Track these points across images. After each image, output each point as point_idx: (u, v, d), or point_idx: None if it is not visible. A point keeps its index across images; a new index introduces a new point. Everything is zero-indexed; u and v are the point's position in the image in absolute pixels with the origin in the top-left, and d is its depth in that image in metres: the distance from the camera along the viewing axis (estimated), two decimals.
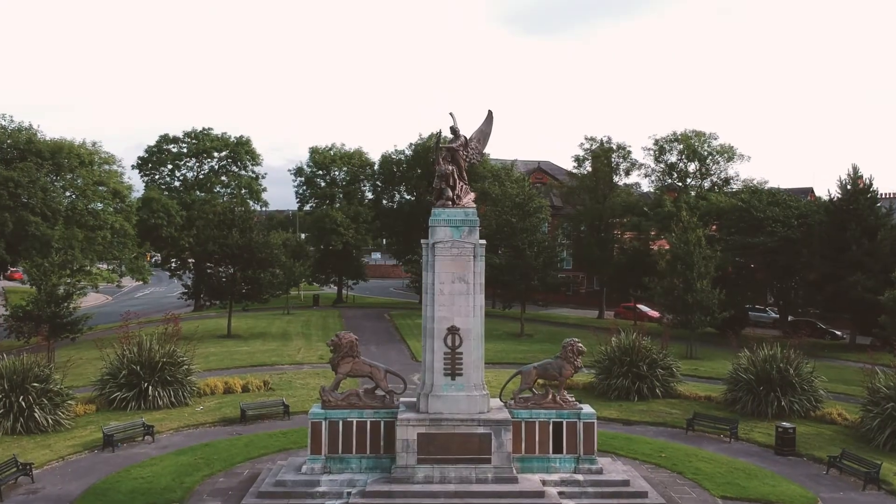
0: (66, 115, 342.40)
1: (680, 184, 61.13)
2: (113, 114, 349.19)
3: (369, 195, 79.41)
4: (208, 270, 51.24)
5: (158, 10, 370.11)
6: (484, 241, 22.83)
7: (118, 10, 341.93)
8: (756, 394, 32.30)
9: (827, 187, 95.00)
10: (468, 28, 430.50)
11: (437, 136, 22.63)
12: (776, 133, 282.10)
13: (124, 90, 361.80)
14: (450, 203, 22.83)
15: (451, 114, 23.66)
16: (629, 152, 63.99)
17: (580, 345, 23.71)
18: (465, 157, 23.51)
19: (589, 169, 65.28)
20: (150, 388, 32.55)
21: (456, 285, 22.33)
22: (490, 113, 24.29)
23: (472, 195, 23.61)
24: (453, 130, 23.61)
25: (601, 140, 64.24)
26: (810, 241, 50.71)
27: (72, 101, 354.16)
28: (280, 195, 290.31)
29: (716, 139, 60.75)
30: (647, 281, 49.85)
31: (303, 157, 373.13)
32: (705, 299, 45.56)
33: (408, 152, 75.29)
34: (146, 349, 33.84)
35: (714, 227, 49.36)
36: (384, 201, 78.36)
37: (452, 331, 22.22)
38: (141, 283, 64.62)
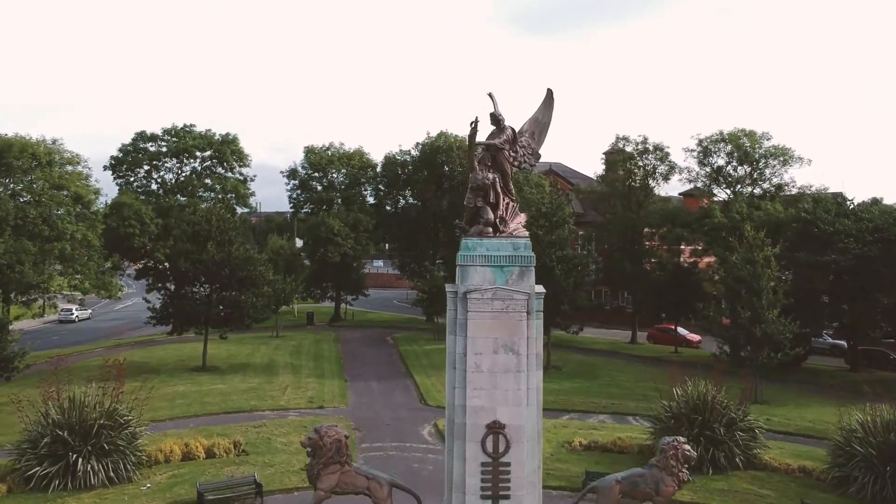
0: (66, 114, 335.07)
1: (728, 190, 53.08)
2: (113, 113, 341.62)
3: (371, 199, 71.66)
4: (181, 290, 43.33)
5: (158, 6, 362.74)
6: (542, 290, 15.00)
7: (118, 8, 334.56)
8: (878, 473, 24.44)
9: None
10: (471, 27, 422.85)
11: (473, 126, 14.69)
12: (799, 134, 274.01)
13: (124, 90, 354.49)
14: (490, 230, 15.03)
15: (490, 95, 15.80)
16: (667, 154, 56.10)
17: (687, 448, 15.90)
18: (512, 158, 15.69)
19: (620, 172, 57.37)
20: (81, 460, 24.71)
21: (500, 357, 14.57)
22: (550, 94, 16.44)
23: (522, 217, 15.82)
24: (495, 119, 15.68)
25: (636, 140, 56.38)
26: (890, 260, 42.84)
27: (71, 101, 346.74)
28: (281, 196, 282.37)
29: (769, 139, 52.82)
30: (701, 308, 41.93)
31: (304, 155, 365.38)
32: (776, 332, 37.58)
33: (414, 153, 67.44)
34: (77, 407, 25.86)
35: (777, 243, 41.42)
36: (387, 206, 70.50)
37: (495, 429, 14.48)
38: (111, 299, 56.75)
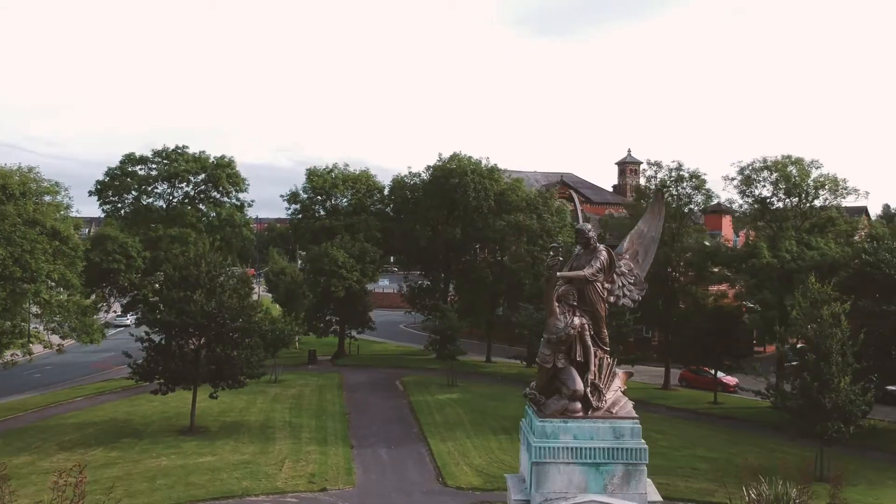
0: (68, 114, 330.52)
1: (774, 225, 48.04)
2: (119, 113, 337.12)
3: (378, 224, 66.65)
4: (166, 344, 38.43)
5: (161, 9, 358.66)
6: (660, 500, 10.08)
7: (121, 9, 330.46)
8: None
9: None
10: (477, 34, 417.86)
11: (552, 256, 9.68)
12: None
13: (123, 90, 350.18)
14: (578, 406, 10.16)
15: (571, 194, 11.52)
16: (703, 181, 51.15)
17: None
18: (606, 292, 10.78)
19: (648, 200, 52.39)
20: None
21: None
22: (659, 195, 13.21)
23: (619, 379, 10.88)
24: (583, 237, 10.97)
25: (669, 166, 51.48)
26: None
27: (74, 101, 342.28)
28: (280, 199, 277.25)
29: (818, 167, 47.83)
30: (755, 368, 37.01)
31: (310, 158, 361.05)
32: (849, 404, 32.51)
33: (425, 176, 62.60)
34: None
35: (846, 296, 36.37)
36: (394, 231, 65.45)
37: None
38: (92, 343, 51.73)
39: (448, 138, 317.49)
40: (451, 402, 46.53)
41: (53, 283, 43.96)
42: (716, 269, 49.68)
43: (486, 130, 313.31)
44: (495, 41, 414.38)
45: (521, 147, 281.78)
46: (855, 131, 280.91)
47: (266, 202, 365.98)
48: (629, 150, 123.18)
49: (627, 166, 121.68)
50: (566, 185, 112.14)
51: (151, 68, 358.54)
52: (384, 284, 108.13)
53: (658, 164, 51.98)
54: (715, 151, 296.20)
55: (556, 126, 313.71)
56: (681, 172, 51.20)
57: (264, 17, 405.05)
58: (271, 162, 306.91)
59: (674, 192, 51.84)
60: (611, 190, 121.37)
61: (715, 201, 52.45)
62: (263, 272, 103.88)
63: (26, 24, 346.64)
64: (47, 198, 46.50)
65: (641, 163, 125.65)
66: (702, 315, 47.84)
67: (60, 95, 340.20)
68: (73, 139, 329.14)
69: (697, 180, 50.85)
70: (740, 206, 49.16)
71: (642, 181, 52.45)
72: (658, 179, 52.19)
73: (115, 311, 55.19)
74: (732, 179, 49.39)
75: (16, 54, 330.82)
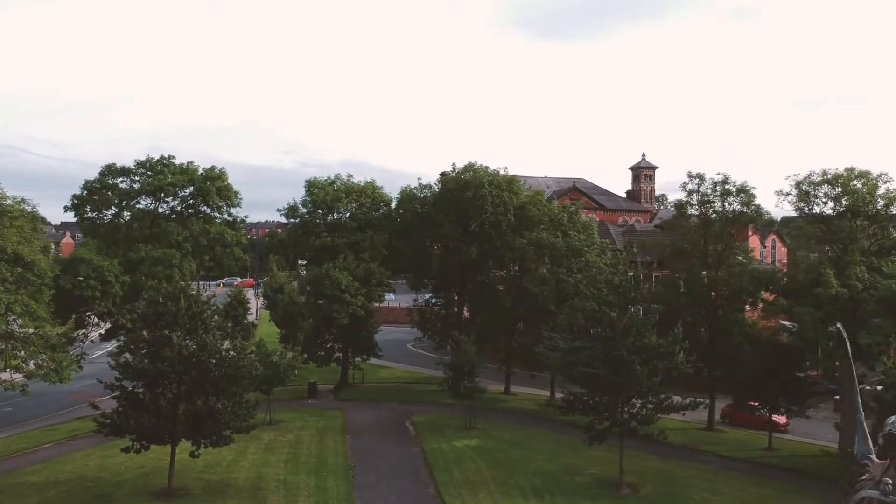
0: (71, 116, 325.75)
1: (838, 247, 42.22)
2: (122, 116, 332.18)
3: (384, 237, 60.86)
4: (139, 395, 32.71)
5: (161, 11, 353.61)
6: None
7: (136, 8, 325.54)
8: None
9: None
10: (486, 37, 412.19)
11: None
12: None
13: (127, 91, 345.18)
14: None
15: None
16: (752, 195, 45.37)
17: None
18: None
19: (692, 219, 46.66)
20: None
21: None
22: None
23: None
24: None
25: (713, 179, 45.69)
26: None
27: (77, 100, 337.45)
28: (286, 201, 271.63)
29: (888, 181, 41.99)
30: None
31: (315, 161, 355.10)
32: None
33: (437, 188, 56.90)
34: None
35: None
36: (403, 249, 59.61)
37: None
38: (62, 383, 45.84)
39: (458, 143, 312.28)
40: (470, 450, 40.75)
41: (14, 317, 38.44)
42: (767, 296, 43.90)
43: (496, 135, 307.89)
44: (504, 44, 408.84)
45: (532, 152, 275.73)
46: None
47: (270, 204, 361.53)
48: (643, 155, 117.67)
49: (642, 171, 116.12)
50: (578, 191, 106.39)
51: (154, 70, 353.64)
52: (390, 298, 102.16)
53: (700, 177, 46.17)
54: (734, 159, 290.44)
55: (567, 131, 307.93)
56: (727, 186, 45.44)
57: (272, 19, 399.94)
58: (276, 164, 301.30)
59: (718, 208, 46.12)
60: (624, 196, 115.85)
61: (764, 218, 46.61)
62: (263, 282, 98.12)
63: (26, 24, 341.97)
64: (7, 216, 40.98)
65: (657, 167, 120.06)
66: (754, 348, 41.93)
67: (61, 96, 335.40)
68: (76, 142, 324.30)
69: (746, 195, 45.07)
70: (798, 225, 43.29)
71: (682, 195, 46.47)
72: (699, 193, 46.39)
73: (92, 341, 49.53)
74: (787, 195, 43.64)
75: (16, 54, 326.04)
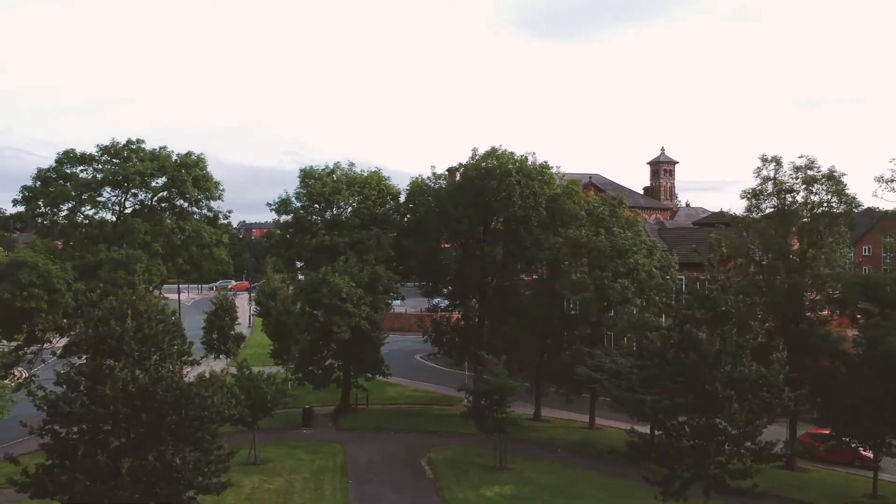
0: (71, 116, 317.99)
1: None
2: (121, 117, 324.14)
3: (391, 235, 52.61)
4: (72, 441, 24.64)
5: (162, 11, 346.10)
6: None
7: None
8: None
9: None
10: (496, 36, 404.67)
11: None
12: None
13: (127, 92, 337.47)
14: None
15: None
16: (843, 184, 37.20)
17: None
18: None
19: (770, 212, 38.50)
20: None
21: None
22: None
23: None
24: None
25: (795, 164, 37.54)
26: None
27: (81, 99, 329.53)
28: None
29: None
30: None
31: (316, 162, 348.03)
32: None
33: (443, 183, 48.83)
34: None
35: None
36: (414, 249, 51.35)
37: None
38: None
39: (459, 143, 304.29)
40: (504, 502, 32.51)
41: None
42: (868, 306, 35.69)
43: (498, 135, 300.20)
44: (504, 44, 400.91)
45: (548, 148, 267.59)
46: None
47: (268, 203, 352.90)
48: (663, 149, 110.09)
49: (661, 166, 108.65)
50: (595, 187, 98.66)
51: (155, 70, 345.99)
52: (396, 304, 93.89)
53: (777, 161, 37.99)
54: (733, 159, 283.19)
55: (567, 130, 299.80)
56: (810, 172, 37.26)
57: (272, 19, 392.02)
58: (277, 165, 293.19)
59: (799, 198, 37.98)
60: (641, 192, 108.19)
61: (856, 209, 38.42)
62: (257, 287, 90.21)
63: (26, 24, 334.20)
64: None
65: (678, 162, 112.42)
66: (855, 372, 33.68)
67: (62, 97, 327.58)
68: (76, 142, 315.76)
69: (836, 183, 36.88)
70: None
71: (755, 183, 38.22)
72: (775, 181, 38.22)
73: (42, 362, 41.23)
74: (890, 181, 35.48)
75: (15, 54, 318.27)
